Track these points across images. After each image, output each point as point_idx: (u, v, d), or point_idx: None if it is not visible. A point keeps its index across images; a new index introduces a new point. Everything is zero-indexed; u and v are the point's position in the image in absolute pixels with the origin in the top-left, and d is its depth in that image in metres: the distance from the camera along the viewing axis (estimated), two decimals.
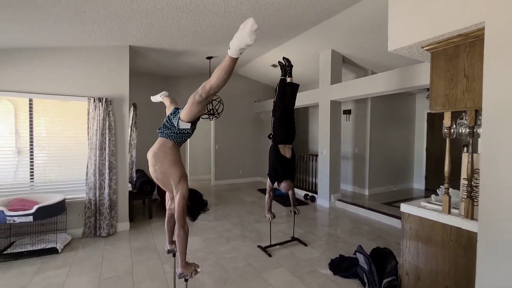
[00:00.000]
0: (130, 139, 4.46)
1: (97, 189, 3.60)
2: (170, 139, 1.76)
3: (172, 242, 2.05)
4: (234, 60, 1.45)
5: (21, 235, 3.29)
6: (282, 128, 3.18)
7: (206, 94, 1.60)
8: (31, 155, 3.42)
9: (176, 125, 1.74)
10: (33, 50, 3.33)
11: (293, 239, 3.56)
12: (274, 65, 3.24)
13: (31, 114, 3.42)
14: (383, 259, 2.52)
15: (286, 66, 3.27)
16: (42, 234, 3.32)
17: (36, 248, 3.05)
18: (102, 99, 3.60)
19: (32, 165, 3.42)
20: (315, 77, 6.39)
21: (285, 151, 3.22)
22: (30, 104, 3.42)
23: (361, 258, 2.49)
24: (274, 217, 3.27)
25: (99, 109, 3.58)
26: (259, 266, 2.87)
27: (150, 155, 1.75)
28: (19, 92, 3.26)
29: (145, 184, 4.37)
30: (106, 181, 3.65)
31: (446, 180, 2.01)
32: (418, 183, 6.72)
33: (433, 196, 2.28)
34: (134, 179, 4.69)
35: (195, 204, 1.85)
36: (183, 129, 1.74)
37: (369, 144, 6.04)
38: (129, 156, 4.41)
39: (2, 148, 3.29)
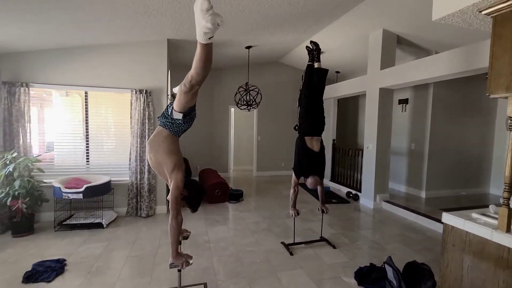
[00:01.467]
0: None
1: (138, 174, 3.93)
2: (166, 128, 1.74)
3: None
4: (205, 46, 1.31)
5: (78, 209, 3.83)
6: (308, 118, 2.90)
7: (190, 84, 1.51)
8: (87, 141, 3.92)
9: (170, 114, 1.70)
10: (86, 48, 3.75)
11: (321, 239, 3.28)
12: (307, 47, 2.94)
13: (86, 105, 3.91)
14: (417, 276, 2.08)
15: (313, 50, 2.94)
16: (94, 210, 3.81)
17: (86, 222, 3.51)
18: (143, 90, 3.87)
19: (87, 150, 3.92)
20: (364, 63, 5.69)
21: (313, 143, 2.94)
22: (86, 96, 3.90)
23: (389, 271, 2.11)
24: (298, 213, 3.05)
25: (140, 100, 3.86)
26: (277, 264, 2.72)
27: (146, 143, 1.76)
28: (76, 86, 3.74)
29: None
30: (146, 167, 3.95)
31: (507, 187, 1.50)
32: (496, 188, 5.46)
33: (491, 206, 1.75)
34: None
35: (194, 195, 1.80)
36: (176, 119, 1.69)
37: (429, 139, 5.13)
38: None
39: (72, 134, 3.84)
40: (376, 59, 4.60)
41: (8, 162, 3.18)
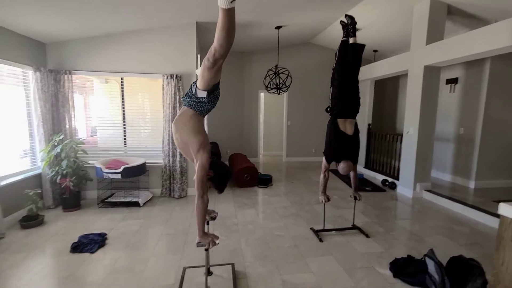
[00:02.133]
0: None
1: (170, 156, 4.07)
2: (191, 108, 1.70)
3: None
4: (227, 12, 1.20)
5: (119, 189, 4.10)
6: (341, 99, 2.68)
7: (213, 58, 1.43)
8: (124, 125, 4.12)
9: (194, 93, 1.66)
10: (119, 34, 3.86)
11: (354, 227, 3.13)
12: (341, 22, 2.69)
13: (122, 91, 4.08)
14: (464, 273, 1.86)
15: (348, 25, 2.67)
16: (132, 190, 4.05)
17: (125, 201, 3.74)
18: (173, 75, 3.92)
19: (125, 133, 4.13)
20: (406, 40, 5.12)
21: (346, 126, 2.73)
22: (122, 82, 4.06)
23: (430, 264, 1.91)
24: (328, 199, 2.91)
25: (171, 85, 3.92)
26: (305, 249, 2.65)
27: (172, 124, 1.75)
28: (113, 72, 3.90)
29: (212, 155, 4.65)
30: (178, 150, 4.06)
31: None
32: None
33: None
34: None
35: (220, 176, 1.77)
36: (200, 97, 1.64)
37: (481, 123, 4.53)
38: None
39: (111, 119, 4.07)
40: (421, 34, 4.10)
41: (56, 144, 3.47)
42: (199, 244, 1.65)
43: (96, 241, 2.66)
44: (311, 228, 3.10)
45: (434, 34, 4.01)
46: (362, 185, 4.96)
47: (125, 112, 4.10)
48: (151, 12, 3.44)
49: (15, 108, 3.29)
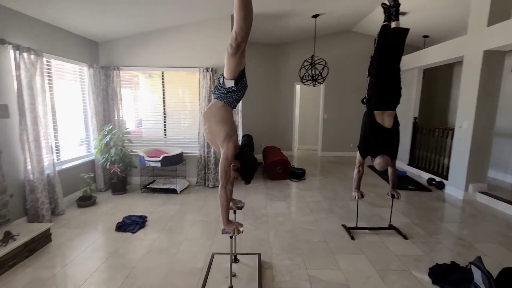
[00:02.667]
0: None
1: (205, 147, 4.23)
2: (220, 100, 1.72)
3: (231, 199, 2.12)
4: None
5: (159, 176, 4.41)
6: (379, 89, 2.49)
7: (236, 43, 1.42)
8: (165, 117, 4.39)
9: (222, 84, 1.68)
10: (160, 31, 4.08)
11: (390, 227, 2.93)
12: (383, 4, 2.49)
13: (163, 85, 4.33)
14: None
15: (390, 7, 2.42)
16: (170, 178, 4.33)
17: (164, 187, 4.02)
18: (209, 69, 4.03)
19: (165, 125, 4.41)
20: (462, 23, 4.50)
21: (384, 118, 2.53)
22: (162, 77, 4.31)
23: (477, 273, 1.70)
24: (362, 196, 2.76)
25: (206, 78, 4.05)
26: (335, 246, 2.56)
27: (202, 115, 1.80)
28: (154, 67, 4.16)
29: (246, 147, 4.72)
30: None
31: None
32: None
33: None
34: (240, 142, 5.17)
35: (246, 167, 1.78)
36: (229, 87, 1.65)
37: None
38: None
39: (154, 111, 4.38)
40: (482, 13, 3.56)
41: (106, 134, 3.85)
42: (223, 231, 1.70)
43: (137, 223, 2.91)
44: (343, 225, 2.99)
45: (498, 13, 3.46)
46: (404, 183, 4.59)
47: (165, 105, 4.36)
48: (187, 9, 3.55)
49: (74, 101, 3.72)
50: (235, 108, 1.81)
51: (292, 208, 3.52)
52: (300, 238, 2.71)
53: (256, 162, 1.84)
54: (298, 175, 4.90)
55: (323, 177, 5.06)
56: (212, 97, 1.82)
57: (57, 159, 3.40)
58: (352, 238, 2.71)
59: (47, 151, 2.99)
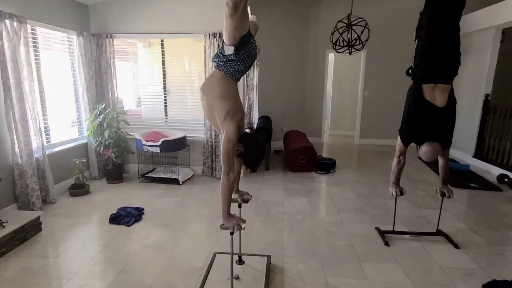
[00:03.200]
0: (247, 79, 4.88)
1: (212, 130, 4.35)
2: (220, 69, 1.78)
3: (236, 190, 2.21)
4: None
5: (159, 164, 4.64)
6: (429, 56, 2.40)
7: (232, 1, 1.44)
8: (165, 93, 4.54)
9: (221, 50, 1.72)
10: None
11: (438, 233, 2.90)
12: None
13: (163, 55, 4.46)
14: None
15: None
16: (172, 166, 4.53)
17: (165, 177, 4.24)
18: (216, 34, 4.08)
19: (166, 103, 4.57)
20: None
21: (435, 95, 2.44)
22: (162, 44, 4.44)
23: None
24: (402, 193, 2.74)
25: (214, 46, 4.10)
26: (363, 251, 2.60)
27: (199, 88, 1.86)
28: (152, 33, 4.29)
29: (260, 131, 4.78)
30: None
31: None
32: None
33: None
34: (255, 125, 5.24)
35: (252, 152, 1.83)
36: (228, 55, 1.69)
37: None
38: (247, 99, 4.91)
39: (153, 87, 4.55)
40: None
41: (98, 113, 4.09)
42: (222, 226, 1.79)
43: (133, 215, 3.13)
44: (376, 228, 3.00)
45: None
46: (466, 180, 4.43)
47: (165, 79, 4.51)
48: None
49: (63, 75, 3.98)
50: (238, 80, 1.85)
51: (315, 205, 3.57)
52: (321, 240, 2.78)
53: (264, 146, 1.89)
54: (326, 166, 4.91)
55: (359, 170, 5.02)
56: (212, 66, 1.87)
57: (47, 142, 3.69)
58: (386, 243, 2.72)
59: (35, 132, 3.27)
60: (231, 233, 1.81)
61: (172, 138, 4.07)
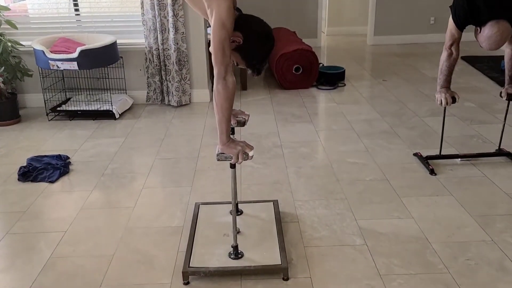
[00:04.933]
0: None
1: (158, 32, 4.20)
2: None
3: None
4: None
5: (76, 90, 4.49)
6: None
7: None
8: None
9: None
10: None
11: (499, 152, 3.18)
12: None
13: None
14: None
15: None
16: (98, 92, 4.42)
17: (90, 109, 4.15)
18: None
19: None
20: None
21: None
22: None
23: None
24: (454, 100, 2.89)
25: None
26: (403, 185, 2.81)
27: None
28: None
29: None
30: (170, 19, 4.13)
31: None
32: None
33: None
34: None
35: (254, 42, 1.80)
36: None
37: None
38: None
39: None
40: None
41: None
42: (220, 157, 1.81)
43: (55, 166, 3.09)
44: (415, 154, 3.21)
45: None
46: None
47: None
48: None
49: None
50: None
51: (324, 132, 3.73)
52: (341, 176, 2.95)
53: (270, 33, 1.87)
54: (332, 78, 5.04)
55: (378, 80, 5.18)
56: None
57: None
58: (432, 172, 2.94)
59: None
60: (232, 166, 1.86)
61: (95, 46, 3.88)
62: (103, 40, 4.07)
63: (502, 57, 3.26)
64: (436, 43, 6.82)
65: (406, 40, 7.12)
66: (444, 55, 2.81)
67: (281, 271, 1.90)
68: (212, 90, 1.74)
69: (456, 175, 2.93)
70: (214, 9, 1.66)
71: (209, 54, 2.24)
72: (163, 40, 4.22)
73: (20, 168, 3.07)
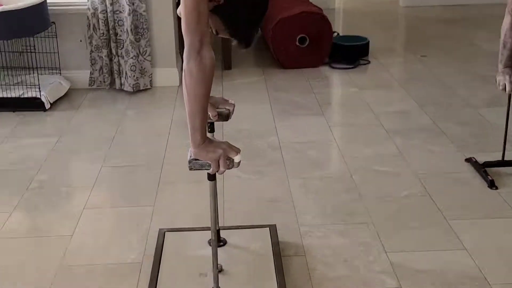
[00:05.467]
0: None
1: None
2: None
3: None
4: None
5: None
6: None
7: None
8: None
9: None
10: None
11: None
12: None
13: None
14: None
15: None
16: (22, 73, 4.38)
17: (10, 96, 4.09)
18: None
19: None
20: None
21: None
22: None
23: None
24: None
25: None
26: (451, 203, 2.80)
27: None
28: None
29: None
30: None
31: None
32: None
33: None
34: None
35: (240, 1, 1.79)
36: None
37: None
38: None
39: None
40: None
41: None
42: (194, 164, 1.77)
43: None
44: (468, 159, 3.22)
45: None
46: None
47: None
48: None
49: None
50: None
51: (340, 129, 3.76)
52: (365, 191, 2.94)
53: None
54: (351, 53, 5.08)
55: (415, 56, 5.22)
56: None
57: None
58: (492, 184, 2.94)
59: None
60: (211, 178, 1.84)
61: (16, 8, 3.84)
62: None
63: None
64: (495, 4, 6.85)
65: (454, 0, 7.17)
66: (507, 21, 2.83)
67: None
68: (182, 70, 1.70)
69: None
70: None
71: (178, 18, 2.21)
72: (113, 1, 4.21)
73: None
